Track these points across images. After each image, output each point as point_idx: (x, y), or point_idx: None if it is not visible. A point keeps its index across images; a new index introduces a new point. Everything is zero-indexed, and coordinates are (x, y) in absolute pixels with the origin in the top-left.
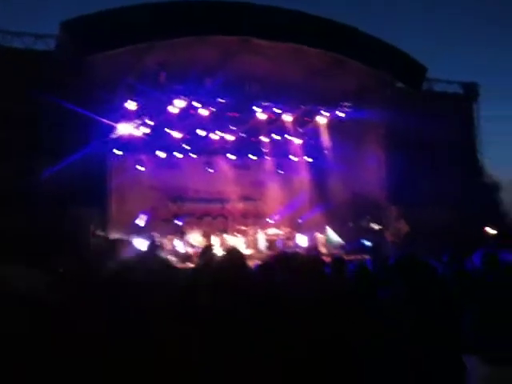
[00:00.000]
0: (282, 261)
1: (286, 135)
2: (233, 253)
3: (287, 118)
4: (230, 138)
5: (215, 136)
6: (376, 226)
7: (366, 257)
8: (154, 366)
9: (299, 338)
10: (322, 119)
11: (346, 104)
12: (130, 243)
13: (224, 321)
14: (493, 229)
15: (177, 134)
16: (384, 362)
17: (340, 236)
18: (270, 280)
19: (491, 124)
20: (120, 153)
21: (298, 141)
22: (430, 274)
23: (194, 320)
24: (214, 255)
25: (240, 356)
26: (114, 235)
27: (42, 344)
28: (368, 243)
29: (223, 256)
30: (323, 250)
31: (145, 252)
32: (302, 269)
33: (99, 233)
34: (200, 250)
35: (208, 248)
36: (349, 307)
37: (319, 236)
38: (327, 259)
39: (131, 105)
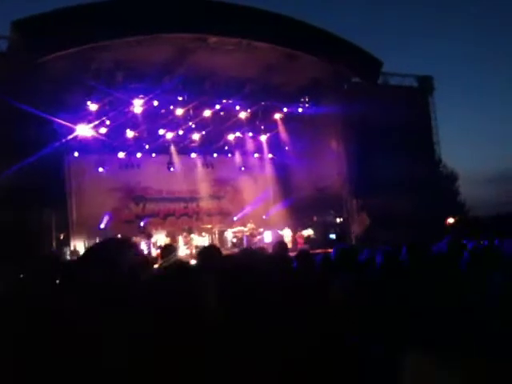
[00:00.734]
0: (247, 256)
1: (247, 132)
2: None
3: (247, 114)
4: (191, 136)
5: (176, 135)
6: (339, 220)
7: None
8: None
9: (271, 330)
10: (281, 115)
11: (304, 99)
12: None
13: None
14: (452, 218)
15: (136, 134)
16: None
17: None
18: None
19: (449, 116)
20: (78, 154)
21: (260, 138)
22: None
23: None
24: (176, 254)
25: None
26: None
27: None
28: (333, 236)
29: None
30: (290, 245)
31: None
32: (265, 263)
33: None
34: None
35: (169, 246)
36: (315, 296)
37: (287, 231)
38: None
39: (89, 105)
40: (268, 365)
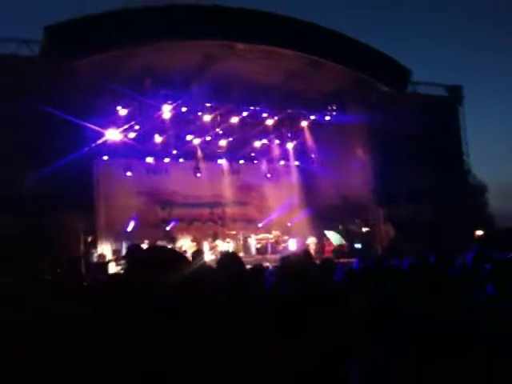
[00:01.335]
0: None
1: (273, 139)
2: (230, 256)
3: (273, 122)
4: (218, 142)
5: (202, 140)
6: (365, 229)
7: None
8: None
9: (287, 336)
10: (307, 123)
11: (331, 107)
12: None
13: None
14: (480, 230)
15: (164, 139)
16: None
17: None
18: (260, 281)
19: (479, 126)
20: (107, 158)
21: (286, 145)
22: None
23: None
24: (203, 259)
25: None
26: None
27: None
28: (358, 246)
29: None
30: (313, 253)
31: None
32: (291, 269)
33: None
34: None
35: (198, 252)
36: (335, 306)
37: (312, 240)
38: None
39: (118, 110)
40: (273, 370)
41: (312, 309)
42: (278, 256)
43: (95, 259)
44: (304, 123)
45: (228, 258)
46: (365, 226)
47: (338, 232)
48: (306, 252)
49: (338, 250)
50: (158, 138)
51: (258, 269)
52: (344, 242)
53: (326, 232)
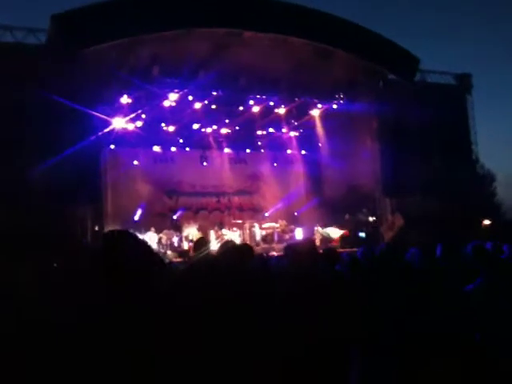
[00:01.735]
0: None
1: (280, 128)
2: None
3: (281, 110)
4: (224, 131)
5: (210, 129)
6: (371, 218)
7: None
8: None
9: (293, 325)
10: (315, 112)
11: (339, 96)
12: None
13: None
14: (488, 220)
15: (171, 128)
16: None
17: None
18: (265, 270)
19: (487, 115)
20: (114, 147)
21: (292, 134)
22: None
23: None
24: (208, 248)
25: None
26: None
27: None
28: (362, 235)
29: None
30: (318, 243)
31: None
32: (297, 257)
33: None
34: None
35: (202, 240)
36: (339, 295)
37: (318, 229)
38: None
39: (125, 99)
40: (269, 361)
41: (315, 299)
42: (284, 245)
43: None
44: (313, 112)
45: (230, 250)
46: (372, 216)
47: (341, 223)
48: (311, 241)
49: (344, 239)
50: (164, 127)
51: (263, 259)
52: (342, 231)
53: (321, 230)
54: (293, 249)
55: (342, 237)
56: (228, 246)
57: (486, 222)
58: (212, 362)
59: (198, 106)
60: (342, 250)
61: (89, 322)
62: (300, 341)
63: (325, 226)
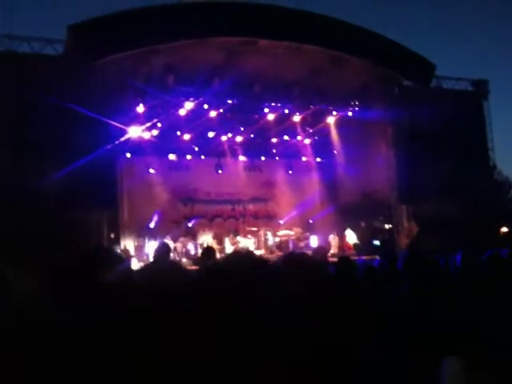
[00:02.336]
0: (287, 260)
1: (295, 136)
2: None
3: (296, 118)
4: (239, 139)
5: (225, 137)
6: (387, 226)
7: (377, 257)
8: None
9: (296, 335)
10: (330, 119)
11: (354, 103)
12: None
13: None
14: (505, 227)
15: (186, 136)
16: (383, 363)
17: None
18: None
19: (505, 121)
20: (130, 156)
21: (307, 141)
22: (437, 273)
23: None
24: (215, 256)
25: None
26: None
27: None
28: (377, 242)
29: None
30: (335, 250)
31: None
32: (302, 266)
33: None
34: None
35: (209, 249)
36: (351, 306)
37: (334, 237)
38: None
39: (141, 108)
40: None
41: (321, 303)
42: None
43: None
44: (328, 119)
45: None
46: (387, 223)
47: (356, 230)
48: (319, 249)
49: (357, 246)
50: (180, 135)
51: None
52: (358, 241)
53: (347, 231)
54: (291, 258)
55: (356, 245)
56: (237, 253)
57: (504, 229)
58: (215, 365)
59: (213, 114)
60: (356, 257)
61: (91, 324)
62: (305, 344)
63: (340, 233)
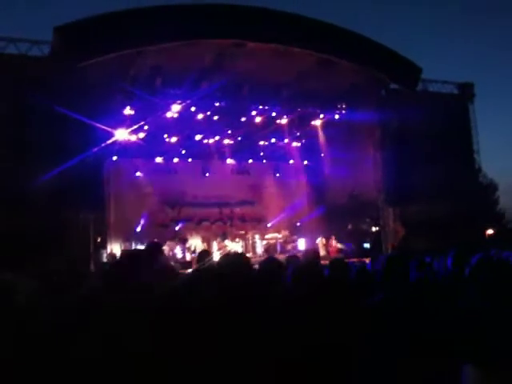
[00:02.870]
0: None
1: (282, 138)
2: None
3: (283, 121)
4: (227, 142)
5: (212, 140)
6: (374, 228)
7: (367, 260)
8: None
9: (292, 335)
10: (317, 121)
11: (341, 105)
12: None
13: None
14: (491, 229)
15: (173, 139)
16: (374, 362)
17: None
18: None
19: (489, 124)
20: (117, 158)
21: (294, 144)
22: (423, 275)
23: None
24: (212, 259)
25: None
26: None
27: None
28: (367, 245)
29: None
30: (323, 253)
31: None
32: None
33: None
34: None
35: (206, 252)
36: (344, 306)
37: (321, 239)
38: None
39: (128, 110)
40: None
41: (319, 308)
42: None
43: (105, 259)
44: (314, 122)
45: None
46: (374, 226)
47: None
48: (314, 251)
49: (343, 251)
50: (167, 138)
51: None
52: (343, 246)
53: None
54: (295, 260)
55: (341, 250)
56: (230, 255)
57: (490, 231)
58: (214, 364)
59: (200, 116)
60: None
61: (90, 325)
62: (301, 344)
63: (327, 235)
